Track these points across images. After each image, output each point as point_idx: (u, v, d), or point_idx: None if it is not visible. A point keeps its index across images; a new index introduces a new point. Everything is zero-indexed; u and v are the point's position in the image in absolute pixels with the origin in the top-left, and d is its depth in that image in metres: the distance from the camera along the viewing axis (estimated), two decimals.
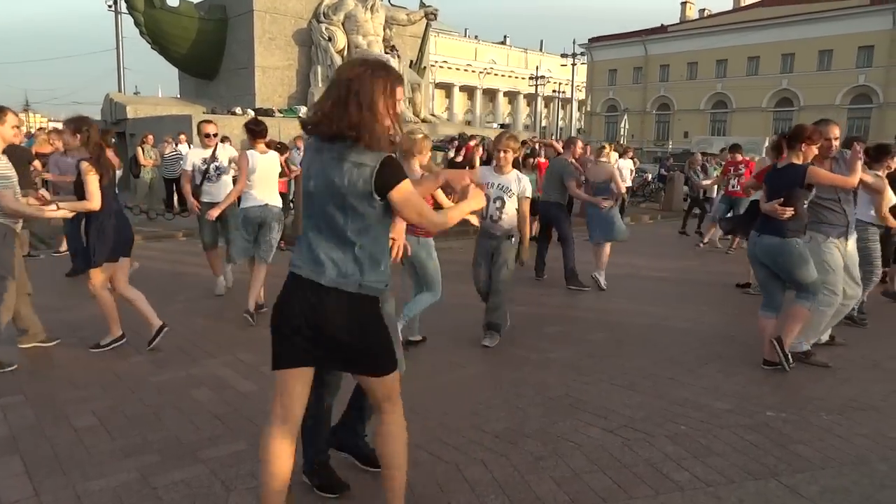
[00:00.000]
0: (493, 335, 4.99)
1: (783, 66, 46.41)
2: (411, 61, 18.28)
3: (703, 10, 56.07)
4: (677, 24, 54.43)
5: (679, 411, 3.74)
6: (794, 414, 3.74)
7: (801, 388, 4.19)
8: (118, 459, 3.08)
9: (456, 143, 14.25)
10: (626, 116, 35.67)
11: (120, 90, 25.29)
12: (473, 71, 64.17)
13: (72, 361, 4.45)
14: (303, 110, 15.41)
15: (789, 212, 4.26)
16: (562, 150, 8.27)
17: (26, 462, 3.03)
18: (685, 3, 56.65)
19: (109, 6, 25.76)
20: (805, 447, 3.31)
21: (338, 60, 16.19)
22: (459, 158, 12.58)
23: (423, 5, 18.74)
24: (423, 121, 17.17)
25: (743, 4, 52.46)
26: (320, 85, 16.25)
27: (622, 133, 33.35)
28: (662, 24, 53.77)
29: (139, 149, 12.23)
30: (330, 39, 16.19)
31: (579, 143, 7.96)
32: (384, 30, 17.15)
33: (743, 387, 4.19)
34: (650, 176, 21.16)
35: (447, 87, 62.90)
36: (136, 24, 16.20)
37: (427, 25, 18.70)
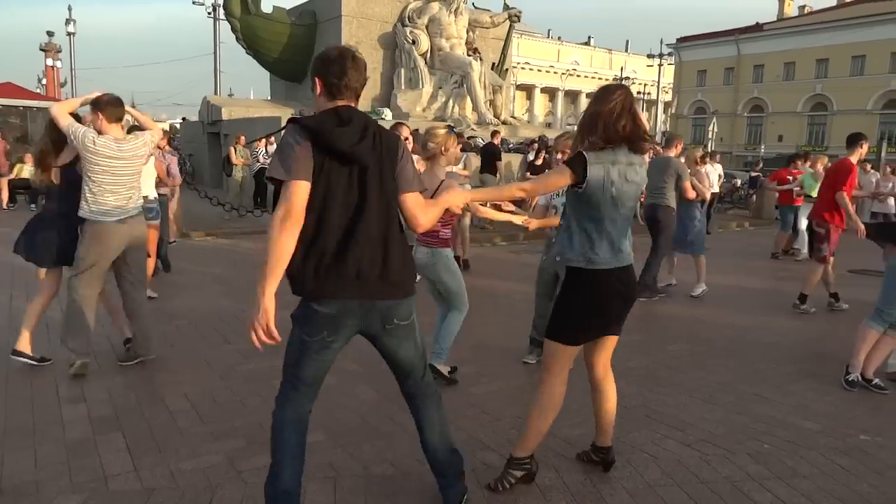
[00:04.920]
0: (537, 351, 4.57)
1: (892, 65, 43.17)
2: (493, 63, 18.30)
3: (803, 6, 52.96)
4: (774, 21, 51.70)
5: (763, 429, 3.59)
6: (892, 439, 3.50)
7: None
8: (208, 442, 3.28)
9: (535, 145, 14.16)
10: (714, 119, 34.19)
11: (216, 93, 26.75)
12: (556, 72, 63.43)
13: (167, 348, 4.76)
14: (386, 112, 15.73)
15: None
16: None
17: (127, 439, 3.28)
18: None
19: (209, 13, 27.30)
20: None
21: (421, 63, 16.43)
22: (539, 161, 12.49)
23: (506, 7, 18.71)
24: (504, 122, 17.16)
25: (848, 0, 49.22)
26: (403, 87, 16.55)
27: (710, 136, 32.03)
28: (758, 23, 51.22)
29: (231, 149, 12.89)
30: (414, 42, 16.46)
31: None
32: (467, 32, 17.25)
33: (835, 407, 3.97)
34: (739, 182, 20.26)
35: (528, 89, 62.50)
36: (233, 30, 17.05)
37: (510, 27, 18.67)
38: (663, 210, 6.81)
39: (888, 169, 14.74)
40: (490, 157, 12.14)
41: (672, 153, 6.98)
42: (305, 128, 2.19)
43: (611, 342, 2.95)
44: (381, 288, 2.30)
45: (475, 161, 11.74)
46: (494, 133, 12.93)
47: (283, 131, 2.25)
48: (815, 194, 9.64)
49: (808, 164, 10.37)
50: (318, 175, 2.18)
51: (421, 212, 2.44)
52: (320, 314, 2.29)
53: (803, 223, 9.84)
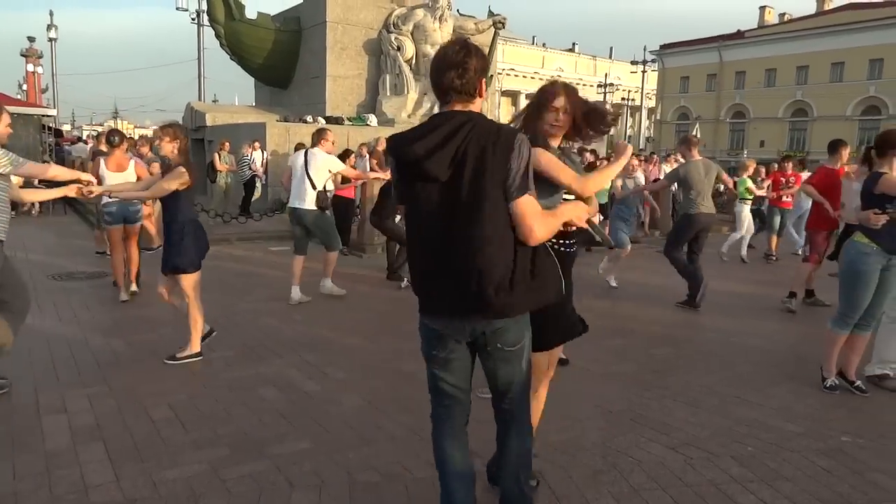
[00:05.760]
0: None
1: (870, 72, 43.91)
2: None
3: (783, 14, 53.75)
4: (755, 29, 52.43)
5: (746, 432, 3.62)
6: (873, 440, 3.55)
7: (881, 414, 3.97)
8: (191, 451, 3.24)
9: None
10: (697, 125, 34.54)
11: (200, 99, 26.58)
12: (541, 78, 63.63)
13: (150, 356, 4.70)
14: (371, 118, 15.72)
15: (882, 218, 3.99)
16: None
17: (108, 449, 3.24)
18: (764, 7, 54.51)
19: (193, 19, 27.15)
20: (884, 476, 3.14)
21: (406, 69, 16.44)
22: None
23: (491, 14, 18.81)
24: None
25: (827, 8, 50.03)
26: (388, 94, 16.55)
27: None
28: (739, 30, 51.89)
29: (216, 155, 12.82)
30: (399, 49, 16.47)
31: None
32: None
33: (816, 409, 4.01)
34: (721, 187, 20.49)
35: (513, 95, 62.75)
36: (217, 35, 16.96)
37: (495, 34, 18.74)
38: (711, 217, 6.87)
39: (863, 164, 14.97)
40: None
41: (698, 156, 6.94)
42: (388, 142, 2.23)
43: None
44: (477, 307, 2.14)
45: None
46: None
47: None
48: (749, 196, 10.40)
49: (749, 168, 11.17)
50: (407, 190, 2.17)
51: (535, 222, 2.12)
52: (428, 328, 2.28)
53: (745, 222, 10.31)
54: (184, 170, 4.48)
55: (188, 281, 4.60)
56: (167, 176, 4.50)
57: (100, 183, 4.86)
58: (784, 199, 10.23)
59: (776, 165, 11.95)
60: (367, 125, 15.32)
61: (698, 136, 31.26)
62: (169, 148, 4.54)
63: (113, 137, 6.60)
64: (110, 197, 6.01)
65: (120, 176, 6.37)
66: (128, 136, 9.38)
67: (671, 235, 7.04)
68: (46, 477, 2.95)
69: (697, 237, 6.87)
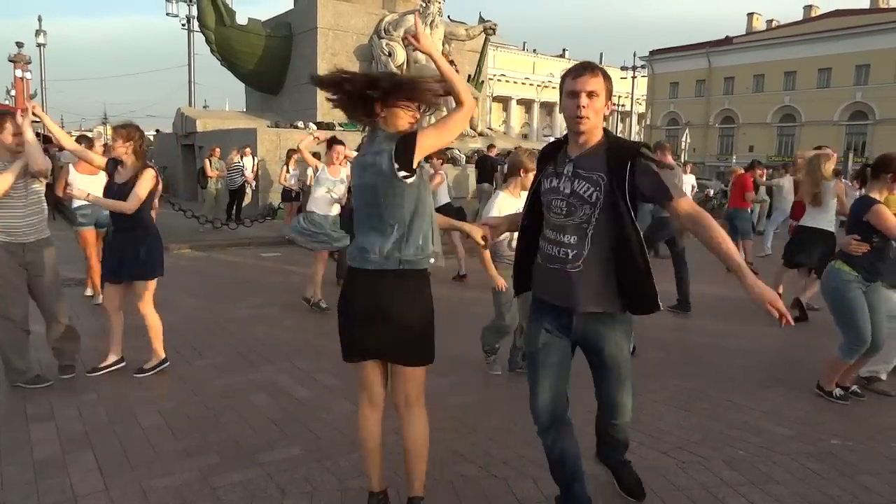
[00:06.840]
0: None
1: (857, 77, 44.37)
2: (469, 76, 18.43)
3: (771, 20, 54.28)
4: (743, 35, 52.90)
5: (737, 435, 3.63)
6: (862, 443, 3.57)
7: (871, 417, 4.00)
8: (181, 459, 3.22)
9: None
10: (687, 130, 34.75)
11: (190, 104, 26.50)
12: (531, 84, 64.02)
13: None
14: None
15: (863, 247, 3.99)
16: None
17: (98, 457, 3.21)
18: (752, 14, 55.01)
19: (183, 25, 27.06)
20: (873, 479, 3.16)
21: None
22: None
23: (482, 20, 18.90)
24: (480, 134, 17.25)
25: (814, 15, 50.57)
26: None
27: (683, 147, 32.55)
28: (727, 36, 52.34)
29: (206, 161, 12.78)
30: (390, 55, 16.52)
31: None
32: (443, 45, 17.37)
33: (806, 413, 4.03)
34: (711, 191, 20.62)
35: (504, 101, 62.96)
36: (208, 41, 16.95)
37: (486, 40, 18.84)
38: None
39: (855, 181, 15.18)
40: (490, 167, 12.50)
41: (670, 159, 6.87)
42: None
43: (396, 371, 2.53)
44: None
45: (452, 172, 11.90)
46: (490, 146, 13.49)
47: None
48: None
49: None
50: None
51: None
52: None
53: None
54: (153, 171, 4.30)
55: (150, 288, 4.45)
56: (137, 183, 4.22)
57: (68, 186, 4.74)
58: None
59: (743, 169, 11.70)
60: (359, 130, 15.31)
61: (688, 140, 31.51)
62: (122, 150, 4.28)
63: (82, 144, 6.58)
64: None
65: (91, 178, 6.29)
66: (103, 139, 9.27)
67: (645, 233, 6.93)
68: (35, 486, 2.92)
69: (675, 240, 6.78)
